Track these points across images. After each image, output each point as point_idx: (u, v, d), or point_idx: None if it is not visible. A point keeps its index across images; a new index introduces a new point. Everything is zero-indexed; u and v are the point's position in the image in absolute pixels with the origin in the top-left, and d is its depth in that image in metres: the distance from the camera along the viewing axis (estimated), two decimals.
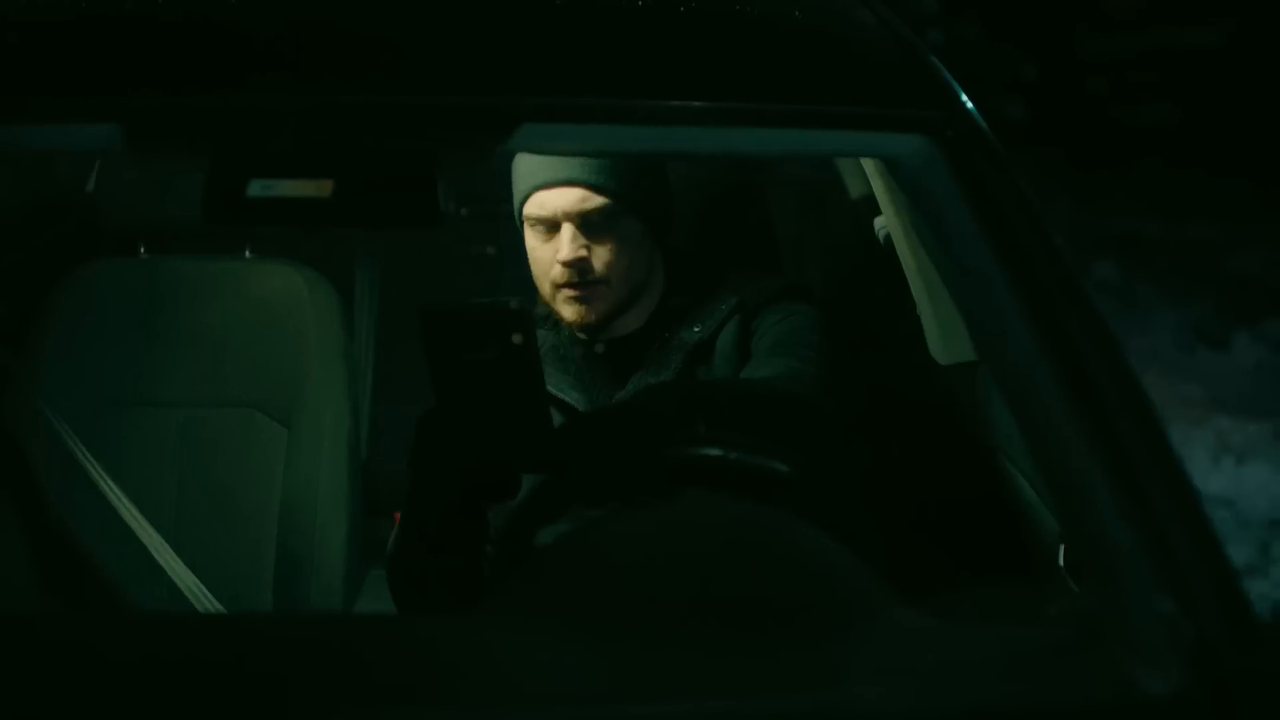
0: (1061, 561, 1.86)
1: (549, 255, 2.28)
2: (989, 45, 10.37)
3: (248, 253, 2.79)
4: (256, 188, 1.62)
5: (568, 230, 2.26)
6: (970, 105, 1.80)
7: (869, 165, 2.61)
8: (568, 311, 2.31)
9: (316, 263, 2.77)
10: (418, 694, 1.46)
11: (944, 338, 2.51)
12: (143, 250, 2.78)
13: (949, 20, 9.97)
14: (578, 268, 2.26)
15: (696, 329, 2.34)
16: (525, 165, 2.28)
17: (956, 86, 1.82)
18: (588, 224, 2.26)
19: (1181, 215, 8.55)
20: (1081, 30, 10.82)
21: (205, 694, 1.45)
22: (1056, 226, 1.73)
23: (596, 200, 2.25)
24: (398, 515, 2.16)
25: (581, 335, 2.36)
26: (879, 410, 2.48)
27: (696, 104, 1.72)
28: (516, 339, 1.94)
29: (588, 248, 2.27)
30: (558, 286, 2.29)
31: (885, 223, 2.70)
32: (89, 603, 2.41)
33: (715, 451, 1.96)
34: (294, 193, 1.63)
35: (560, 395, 2.30)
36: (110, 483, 2.42)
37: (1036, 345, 1.63)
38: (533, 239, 2.30)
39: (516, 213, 2.31)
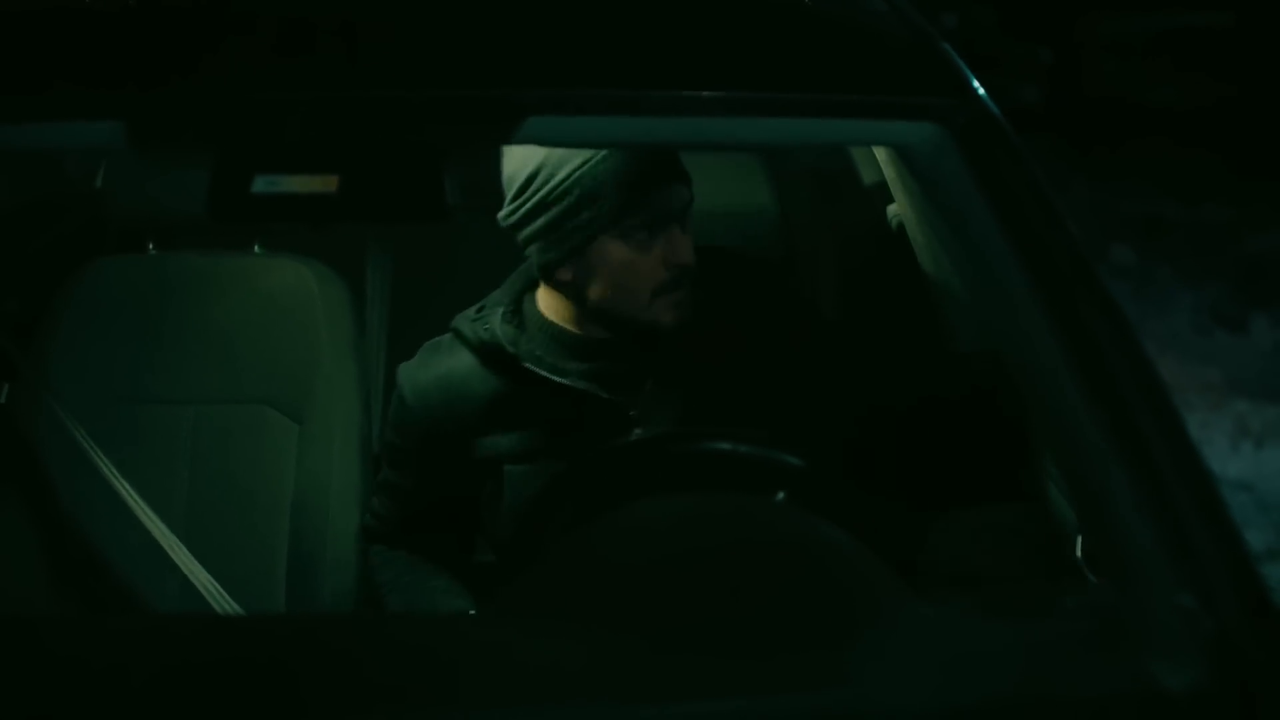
0: (1079, 553, 1.84)
1: (650, 261, 2.13)
2: (1003, 28, 10.34)
3: (257, 248, 2.78)
4: (262, 184, 1.60)
5: (677, 229, 2.13)
6: (983, 92, 1.78)
7: (881, 153, 2.59)
8: (669, 315, 2.16)
9: (327, 257, 2.75)
10: (426, 693, 1.45)
11: (957, 326, 2.49)
12: (151, 246, 2.77)
13: (963, 3, 9.94)
14: (687, 268, 2.14)
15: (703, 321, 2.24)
16: (622, 169, 2.09)
17: (969, 73, 1.81)
18: (687, 218, 2.16)
19: (1197, 197, 8.52)
20: (1096, 12, 10.80)
21: (216, 694, 1.45)
22: (1072, 209, 1.71)
23: (688, 191, 2.16)
24: None
25: (575, 330, 2.24)
26: (892, 400, 2.46)
27: (706, 94, 1.70)
28: None
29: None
30: (659, 293, 2.15)
31: (898, 210, 2.68)
32: (101, 600, 2.41)
33: (725, 445, 1.95)
34: (300, 188, 1.61)
35: (579, 386, 2.24)
36: (121, 480, 2.41)
37: (1052, 334, 1.62)
38: (628, 250, 2.13)
39: (601, 225, 2.13)
